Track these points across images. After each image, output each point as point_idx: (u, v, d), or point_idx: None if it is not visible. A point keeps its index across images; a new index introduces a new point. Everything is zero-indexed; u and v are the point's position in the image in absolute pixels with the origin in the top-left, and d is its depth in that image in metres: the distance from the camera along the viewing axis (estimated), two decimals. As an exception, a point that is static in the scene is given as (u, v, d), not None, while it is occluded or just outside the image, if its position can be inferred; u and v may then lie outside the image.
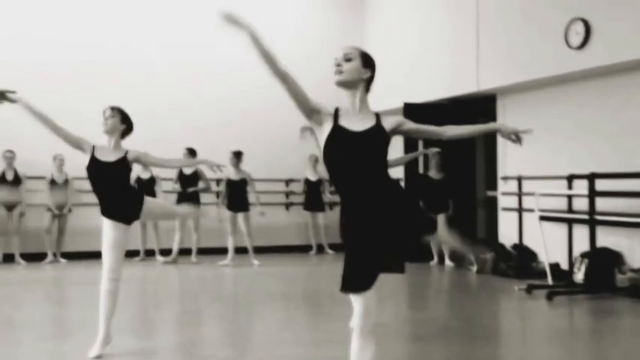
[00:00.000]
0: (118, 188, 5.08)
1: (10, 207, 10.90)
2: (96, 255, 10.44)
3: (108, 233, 4.99)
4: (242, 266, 10.78)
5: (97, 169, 5.00)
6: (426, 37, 12.06)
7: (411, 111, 11.60)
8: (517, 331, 6.66)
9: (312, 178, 12.70)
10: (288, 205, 13.09)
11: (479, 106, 11.52)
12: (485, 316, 7.21)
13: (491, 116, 11.08)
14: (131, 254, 11.02)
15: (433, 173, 10.97)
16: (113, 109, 5.14)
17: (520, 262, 9.59)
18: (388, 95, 12.92)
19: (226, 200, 11.03)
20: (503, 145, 10.80)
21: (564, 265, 9.04)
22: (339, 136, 3.23)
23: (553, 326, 6.49)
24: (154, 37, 12.40)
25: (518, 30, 9.80)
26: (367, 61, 3.38)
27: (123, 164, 5.06)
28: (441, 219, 10.62)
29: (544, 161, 9.77)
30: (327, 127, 3.28)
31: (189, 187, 11.06)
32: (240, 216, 10.96)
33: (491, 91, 10.73)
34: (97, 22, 12.07)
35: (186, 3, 12.61)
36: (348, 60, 3.35)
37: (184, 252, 11.32)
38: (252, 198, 11.11)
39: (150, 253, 11.67)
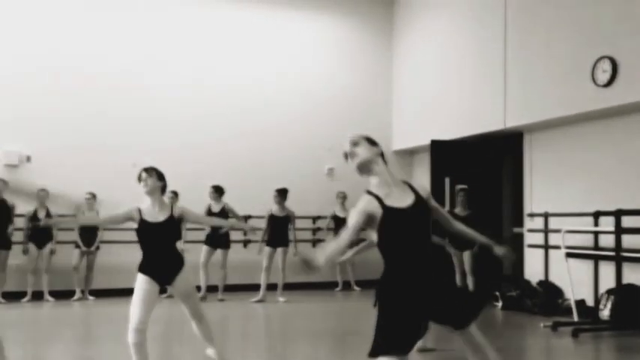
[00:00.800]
0: (167, 247, 5.23)
1: (40, 245, 11.10)
2: (124, 292, 10.82)
3: (141, 287, 5.06)
4: (269, 302, 10.80)
5: (147, 230, 5.13)
6: (453, 73, 12.14)
7: (438, 148, 11.66)
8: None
9: (341, 214, 12.73)
10: (315, 243, 13.12)
11: (505, 144, 11.51)
12: (511, 352, 7.12)
13: (518, 153, 11.07)
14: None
15: (459, 210, 10.88)
16: (147, 170, 5.27)
17: (546, 299, 9.46)
18: (415, 132, 13.04)
19: (267, 236, 11.12)
20: (529, 181, 10.75)
21: (590, 302, 8.90)
22: (393, 216, 3.38)
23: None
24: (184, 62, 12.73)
25: (545, 67, 9.82)
26: (371, 141, 3.61)
27: (172, 223, 5.21)
28: (466, 256, 10.50)
29: (570, 198, 9.69)
30: (378, 214, 3.39)
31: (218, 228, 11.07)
32: (280, 252, 11.04)
33: (518, 129, 10.72)
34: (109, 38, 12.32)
35: (201, 24, 12.95)
36: (355, 145, 3.57)
37: (210, 289, 11.30)
38: (291, 235, 11.29)
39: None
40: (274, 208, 11.10)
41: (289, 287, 11.43)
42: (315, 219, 13.12)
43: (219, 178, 11.65)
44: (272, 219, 11.10)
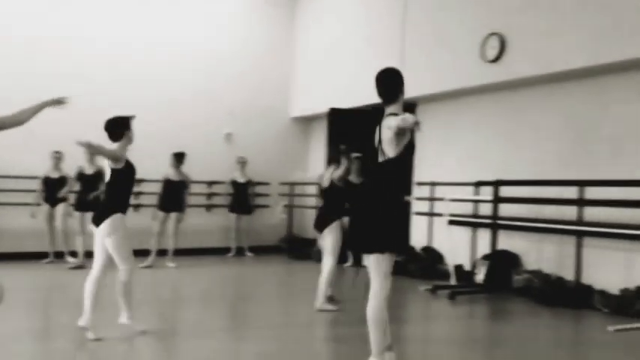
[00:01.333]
0: None
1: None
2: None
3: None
4: (159, 268, 10.68)
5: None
6: (352, 43, 12.29)
7: (335, 116, 11.80)
8: (419, 328, 6.86)
9: (241, 180, 12.72)
10: (209, 208, 13.06)
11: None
12: (391, 313, 7.36)
13: (410, 123, 11.35)
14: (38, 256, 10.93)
15: (353, 177, 11.14)
16: None
17: (428, 264, 9.85)
18: (314, 100, 13.15)
19: (160, 200, 10.97)
20: (420, 151, 11.05)
21: (468, 267, 9.33)
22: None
23: (452, 323, 6.73)
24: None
25: (438, 42, 10.10)
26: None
27: None
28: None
29: (455, 168, 10.08)
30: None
31: (91, 190, 10.25)
32: (173, 217, 10.94)
33: (412, 99, 11.00)
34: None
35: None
36: None
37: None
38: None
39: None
40: (170, 172, 10.97)
41: (180, 253, 11.36)
42: (210, 184, 13.05)
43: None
44: (167, 183, 10.97)
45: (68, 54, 11.77)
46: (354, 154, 10.71)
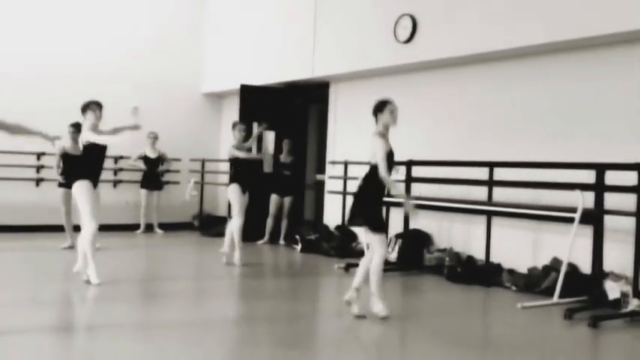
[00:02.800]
0: None
1: None
2: None
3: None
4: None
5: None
6: (265, 19, 12.19)
7: (248, 94, 11.71)
8: (333, 303, 6.98)
9: (151, 155, 12.42)
10: (116, 183, 12.73)
11: (313, 92, 11.84)
12: (307, 290, 7.49)
13: (324, 102, 11.45)
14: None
15: (284, 157, 11.25)
16: None
17: (341, 243, 10.00)
18: (226, 76, 12.98)
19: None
20: (333, 130, 11.19)
21: (381, 245, 9.53)
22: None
23: (364, 298, 6.85)
24: None
25: (352, 21, 10.18)
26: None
27: None
28: (287, 202, 11.07)
29: (369, 147, 10.20)
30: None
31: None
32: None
33: (325, 78, 11.07)
34: None
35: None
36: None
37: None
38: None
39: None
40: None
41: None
42: (117, 159, 12.69)
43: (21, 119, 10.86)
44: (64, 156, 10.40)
45: None
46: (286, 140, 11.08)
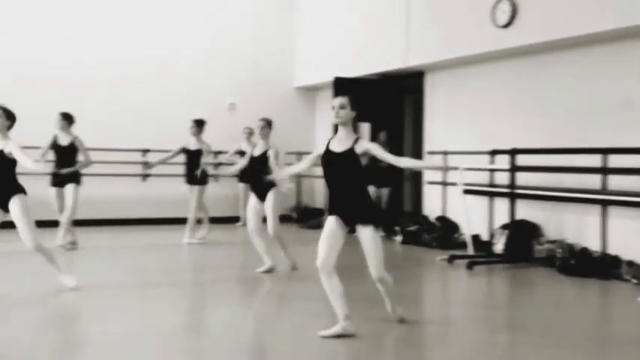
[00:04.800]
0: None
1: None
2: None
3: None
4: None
5: None
6: (357, 10, 12.12)
7: (342, 86, 11.66)
8: (438, 298, 6.87)
9: (248, 150, 12.47)
10: (216, 177, 12.97)
11: (408, 82, 11.69)
12: (410, 283, 7.40)
13: (419, 92, 11.28)
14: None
15: None
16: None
17: (443, 234, 9.85)
18: (319, 69, 12.99)
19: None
20: (430, 120, 11.02)
21: (485, 237, 9.34)
22: (326, 155, 4.85)
23: (471, 293, 6.73)
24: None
25: (447, 7, 9.97)
26: (354, 104, 4.83)
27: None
28: (384, 193, 10.97)
29: (468, 137, 10.02)
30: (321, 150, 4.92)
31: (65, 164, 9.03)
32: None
33: (420, 67, 10.90)
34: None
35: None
36: (342, 108, 4.79)
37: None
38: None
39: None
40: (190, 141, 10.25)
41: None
42: (216, 154, 12.91)
43: (122, 117, 11.56)
44: (186, 153, 10.23)
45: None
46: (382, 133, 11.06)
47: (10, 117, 6.10)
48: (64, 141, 8.93)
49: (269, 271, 7.50)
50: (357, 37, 12.00)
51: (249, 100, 13.25)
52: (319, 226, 11.84)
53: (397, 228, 10.51)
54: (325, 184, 5.00)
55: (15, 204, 5.97)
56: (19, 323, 5.24)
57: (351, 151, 4.75)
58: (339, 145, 4.79)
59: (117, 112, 12.09)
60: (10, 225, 6.22)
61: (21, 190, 6.06)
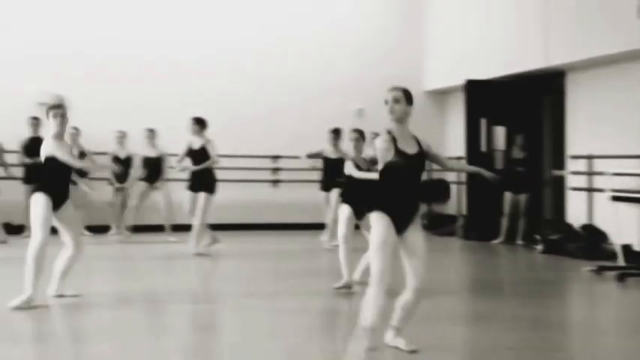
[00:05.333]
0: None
1: (75, 181, 11.08)
2: (157, 229, 10.85)
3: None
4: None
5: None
6: (490, 8, 11.73)
7: (475, 89, 11.34)
8: (586, 317, 6.46)
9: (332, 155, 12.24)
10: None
11: (546, 83, 11.19)
12: (555, 295, 7.03)
13: (560, 93, 10.76)
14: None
15: (516, 152, 10.78)
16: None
17: (589, 243, 9.29)
18: (449, 72, 12.68)
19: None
20: (572, 122, 10.47)
21: (637, 247, 8.72)
22: (401, 158, 4.32)
23: (624, 309, 6.28)
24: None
25: (589, 2, 9.43)
26: (409, 98, 4.42)
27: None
28: (522, 200, 10.53)
29: (615, 140, 9.42)
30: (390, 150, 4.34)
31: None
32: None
33: (560, 67, 10.38)
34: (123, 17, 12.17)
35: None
36: (396, 102, 4.34)
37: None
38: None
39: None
40: (328, 149, 10.29)
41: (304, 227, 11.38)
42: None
43: (249, 123, 11.93)
44: (325, 160, 10.31)
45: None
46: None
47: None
48: (196, 145, 9.18)
49: (346, 287, 6.65)
50: (490, 36, 11.61)
51: (376, 106, 13.11)
52: (451, 233, 11.71)
53: (537, 237, 10.04)
54: (387, 187, 4.37)
55: (68, 207, 5.92)
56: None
57: (422, 153, 4.43)
58: (407, 146, 4.36)
59: (247, 118, 12.34)
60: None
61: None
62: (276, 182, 12.49)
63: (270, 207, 12.37)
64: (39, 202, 5.75)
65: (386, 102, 4.35)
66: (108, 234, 11.28)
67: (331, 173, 9.90)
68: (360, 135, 7.18)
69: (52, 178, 5.85)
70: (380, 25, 13.41)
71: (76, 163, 6.09)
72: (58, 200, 5.83)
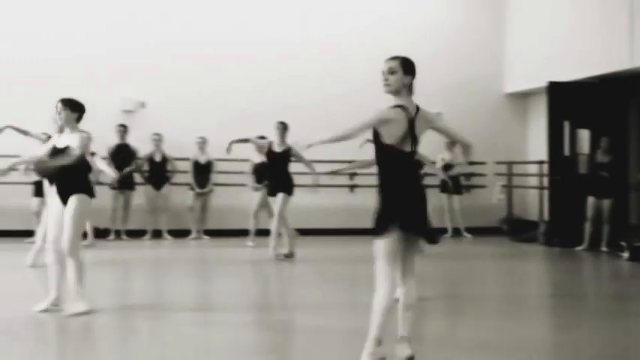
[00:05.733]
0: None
1: (158, 186, 11.46)
2: (237, 233, 11.04)
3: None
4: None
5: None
6: (576, 8, 11.38)
7: (558, 91, 11.04)
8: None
9: (447, 158, 12.25)
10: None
11: (633, 85, 10.77)
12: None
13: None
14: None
15: (600, 156, 10.42)
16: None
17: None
18: (532, 74, 12.37)
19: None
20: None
21: None
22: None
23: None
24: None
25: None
26: (407, 69, 4.08)
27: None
28: (605, 204, 10.17)
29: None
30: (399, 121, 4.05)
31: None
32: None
33: (653, 70, 9.97)
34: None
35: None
36: (392, 73, 4.05)
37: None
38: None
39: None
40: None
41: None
42: (422, 164, 12.78)
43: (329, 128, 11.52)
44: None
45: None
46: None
47: (76, 108, 5.76)
48: (278, 148, 9.25)
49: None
50: (574, 36, 11.26)
51: (454, 109, 12.93)
52: (533, 239, 11.41)
53: (623, 243, 9.66)
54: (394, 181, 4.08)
55: (72, 202, 5.63)
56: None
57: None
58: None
59: (322, 125, 12.27)
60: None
61: (83, 190, 5.73)
62: (352, 187, 12.50)
63: (347, 211, 12.37)
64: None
65: (382, 73, 4.07)
66: (188, 238, 11.56)
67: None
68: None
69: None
70: (459, 25, 13.15)
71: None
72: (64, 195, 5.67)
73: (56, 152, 5.66)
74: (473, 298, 6.91)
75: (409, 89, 4.08)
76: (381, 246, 3.98)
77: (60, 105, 5.71)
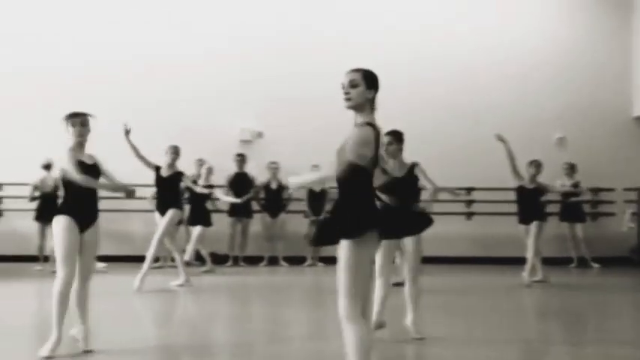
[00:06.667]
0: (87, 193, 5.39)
1: (274, 214, 11.68)
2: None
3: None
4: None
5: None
6: None
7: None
8: None
9: (568, 182, 11.65)
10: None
11: None
12: None
13: None
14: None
15: None
16: None
17: None
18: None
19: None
20: None
21: None
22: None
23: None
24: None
25: None
26: (370, 82, 3.64)
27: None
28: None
29: None
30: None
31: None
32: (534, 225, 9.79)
33: None
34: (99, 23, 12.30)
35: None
36: (353, 86, 3.61)
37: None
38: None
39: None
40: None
41: (513, 262, 10.80)
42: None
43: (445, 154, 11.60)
44: (522, 191, 9.67)
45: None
46: None
47: None
48: (399, 173, 9.00)
49: None
50: None
51: (578, 133, 12.39)
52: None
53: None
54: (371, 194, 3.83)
55: (94, 229, 5.24)
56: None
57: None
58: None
59: (445, 150, 12.03)
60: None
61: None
62: (469, 215, 12.18)
63: (464, 239, 12.06)
64: (60, 224, 5.11)
65: (342, 86, 3.63)
66: (303, 265, 11.65)
67: (528, 204, 9.48)
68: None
69: (74, 197, 5.17)
70: (582, 44, 12.69)
71: (82, 180, 5.08)
72: (83, 222, 5.16)
73: None
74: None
75: (371, 105, 3.66)
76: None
77: None
